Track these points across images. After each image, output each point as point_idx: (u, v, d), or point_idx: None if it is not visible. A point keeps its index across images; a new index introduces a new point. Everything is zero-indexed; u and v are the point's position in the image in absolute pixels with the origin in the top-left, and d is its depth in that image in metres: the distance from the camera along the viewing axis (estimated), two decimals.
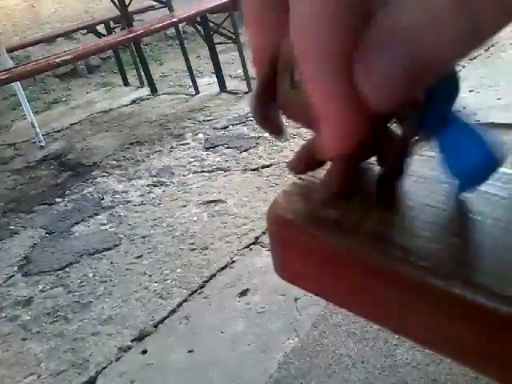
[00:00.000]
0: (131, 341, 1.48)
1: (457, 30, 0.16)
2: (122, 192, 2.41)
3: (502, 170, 0.32)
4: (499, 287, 0.22)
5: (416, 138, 0.27)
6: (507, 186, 0.29)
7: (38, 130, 3.17)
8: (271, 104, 0.29)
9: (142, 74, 3.96)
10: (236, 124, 2.93)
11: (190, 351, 1.41)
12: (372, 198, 0.31)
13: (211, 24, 3.50)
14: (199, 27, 3.50)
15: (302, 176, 0.36)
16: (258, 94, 0.29)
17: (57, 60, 2.92)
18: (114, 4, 3.75)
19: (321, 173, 0.35)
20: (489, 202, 0.28)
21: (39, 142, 3.18)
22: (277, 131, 0.29)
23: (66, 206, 2.39)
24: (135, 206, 2.26)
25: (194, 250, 1.86)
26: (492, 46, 3.33)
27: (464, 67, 3.04)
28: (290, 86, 0.25)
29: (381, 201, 0.29)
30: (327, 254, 0.29)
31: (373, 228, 0.28)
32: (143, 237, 2.00)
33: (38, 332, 1.58)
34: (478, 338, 0.23)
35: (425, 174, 0.33)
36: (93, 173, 2.68)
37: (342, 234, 0.28)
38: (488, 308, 0.22)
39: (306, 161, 0.31)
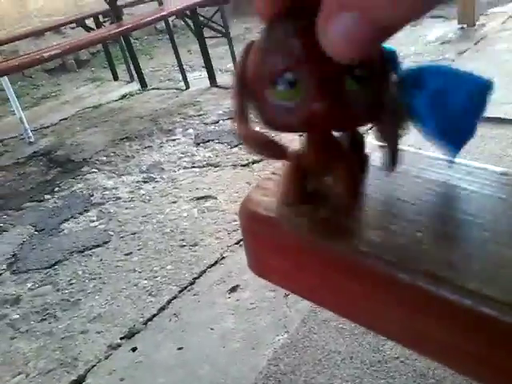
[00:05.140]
0: (120, 338, 1.48)
1: None
2: (112, 188, 2.39)
3: (472, 163, 0.32)
4: (462, 280, 0.22)
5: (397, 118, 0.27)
6: (477, 180, 0.29)
7: (27, 126, 3.14)
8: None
9: (132, 68, 3.94)
10: (226, 119, 2.92)
11: (179, 348, 1.40)
12: (341, 194, 0.31)
13: (201, 18, 3.48)
14: (189, 21, 3.48)
15: (276, 171, 0.35)
16: (244, 120, 0.28)
17: (45, 54, 2.90)
18: None
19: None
20: (458, 195, 0.28)
21: (28, 137, 3.16)
22: (280, 149, 0.28)
23: (55, 202, 2.37)
24: (125, 202, 2.25)
25: (184, 246, 1.85)
26: (481, 39, 3.34)
27: (453, 61, 3.05)
28: (284, 88, 0.25)
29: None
30: (298, 249, 0.29)
31: (342, 223, 0.28)
32: (133, 233, 1.99)
33: (26, 331, 1.58)
34: (442, 331, 0.23)
35: (396, 168, 0.33)
36: (82, 169, 2.66)
37: (312, 229, 0.28)
38: (451, 301, 0.22)
39: (300, 191, 0.31)
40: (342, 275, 0.27)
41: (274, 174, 0.35)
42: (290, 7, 0.23)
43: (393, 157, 0.29)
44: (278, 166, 0.37)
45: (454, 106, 0.24)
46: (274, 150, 0.28)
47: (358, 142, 0.32)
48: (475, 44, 3.27)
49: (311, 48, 0.23)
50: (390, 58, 0.27)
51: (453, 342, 0.23)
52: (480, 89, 0.24)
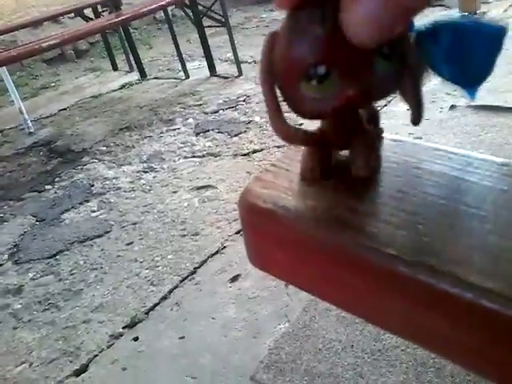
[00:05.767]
0: (123, 328, 1.48)
1: None
2: (113, 178, 2.39)
3: (472, 154, 0.31)
4: (464, 274, 0.22)
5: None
6: (478, 171, 0.29)
7: (27, 117, 3.13)
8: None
9: (131, 58, 3.92)
10: (226, 108, 2.92)
11: (181, 338, 1.41)
12: (343, 186, 0.31)
13: (200, 7, 3.46)
14: (188, 10, 3.45)
15: (275, 162, 0.35)
16: (281, 117, 0.28)
17: (43, 44, 2.88)
18: None
19: (294, 159, 0.35)
20: (459, 187, 0.28)
21: (28, 128, 3.15)
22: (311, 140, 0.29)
23: (55, 193, 2.37)
24: (125, 192, 2.25)
25: (185, 236, 1.86)
26: None
27: None
28: (318, 82, 0.25)
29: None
30: (298, 241, 0.29)
31: (342, 215, 0.28)
32: (134, 223, 2.00)
33: (29, 320, 1.58)
34: (444, 325, 0.23)
35: (396, 159, 0.32)
36: (83, 159, 2.66)
37: (312, 221, 0.28)
38: (452, 295, 0.22)
39: (318, 165, 0.31)
40: (343, 269, 0.27)
41: (273, 165, 0.35)
42: None
43: (418, 111, 0.29)
44: (278, 157, 0.36)
45: (470, 56, 0.25)
46: (310, 142, 0.29)
47: (374, 116, 0.33)
48: None
49: (339, 37, 0.22)
50: None
51: (454, 336, 0.23)
52: (494, 35, 0.25)
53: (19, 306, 1.66)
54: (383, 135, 0.34)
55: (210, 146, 2.51)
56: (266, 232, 0.32)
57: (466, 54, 0.25)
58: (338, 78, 0.24)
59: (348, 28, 0.19)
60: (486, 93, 2.24)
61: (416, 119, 0.29)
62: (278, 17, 5.00)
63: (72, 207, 2.21)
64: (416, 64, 0.26)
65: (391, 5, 0.18)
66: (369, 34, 0.19)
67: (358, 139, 0.29)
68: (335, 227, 0.27)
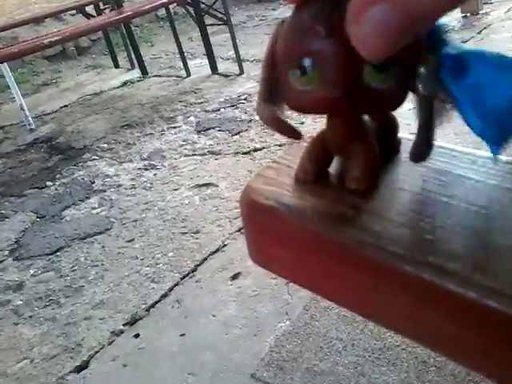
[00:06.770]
0: (123, 325, 1.48)
1: None
2: (113, 175, 2.39)
3: (476, 152, 0.31)
4: (467, 273, 0.22)
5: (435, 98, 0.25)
6: (482, 170, 0.29)
7: (28, 113, 3.13)
8: (278, 106, 0.28)
9: (133, 55, 3.92)
10: (227, 107, 2.91)
11: (182, 335, 1.41)
12: (353, 179, 0.31)
13: (202, 5, 3.46)
14: (190, 8, 3.45)
15: (277, 159, 0.35)
16: (265, 99, 0.28)
17: (45, 41, 2.89)
18: None
19: (296, 156, 0.35)
20: (463, 185, 0.28)
21: (29, 124, 3.15)
22: (294, 133, 0.29)
23: (56, 189, 2.37)
24: (126, 189, 2.25)
25: (186, 233, 1.86)
26: (484, 28, 3.32)
27: None
28: (301, 73, 0.25)
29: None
30: (299, 238, 0.29)
31: (345, 213, 0.27)
32: (135, 220, 2.00)
33: (30, 317, 1.59)
34: (447, 324, 0.23)
35: (400, 157, 0.32)
36: (83, 156, 2.66)
37: (314, 219, 0.28)
38: (456, 294, 0.21)
39: (312, 168, 0.31)
40: (345, 267, 0.27)
41: (275, 162, 0.35)
42: None
43: (420, 148, 0.27)
44: (280, 154, 0.36)
45: (500, 100, 0.21)
46: (288, 134, 0.29)
47: (389, 128, 0.31)
48: (479, 33, 3.25)
49: (329, 36, 0.22)
50: (434, 37, 0.24)
51: (457, 336, 0.23)
52: None
53: (20, 303, 1.66)
54: (399, 147, 0.33)
55: (211, 144, 2.51)
56: (267, 229, 0.31)
57: (494, 97, 0.21)
58: (319, 77, 0.24)
59: (355, 42, 0.18)
60: None
61: (415, 155, 0.27)
62: (279, 15, 4.99)
63: (73, 204, 2.21)
64: (429, 93, 0.25)
65: (402, 13, 0.17)
66: (376, 47, 0.18)
67: (357, 148, 0.28)
68: (338, 225, 0.27)
